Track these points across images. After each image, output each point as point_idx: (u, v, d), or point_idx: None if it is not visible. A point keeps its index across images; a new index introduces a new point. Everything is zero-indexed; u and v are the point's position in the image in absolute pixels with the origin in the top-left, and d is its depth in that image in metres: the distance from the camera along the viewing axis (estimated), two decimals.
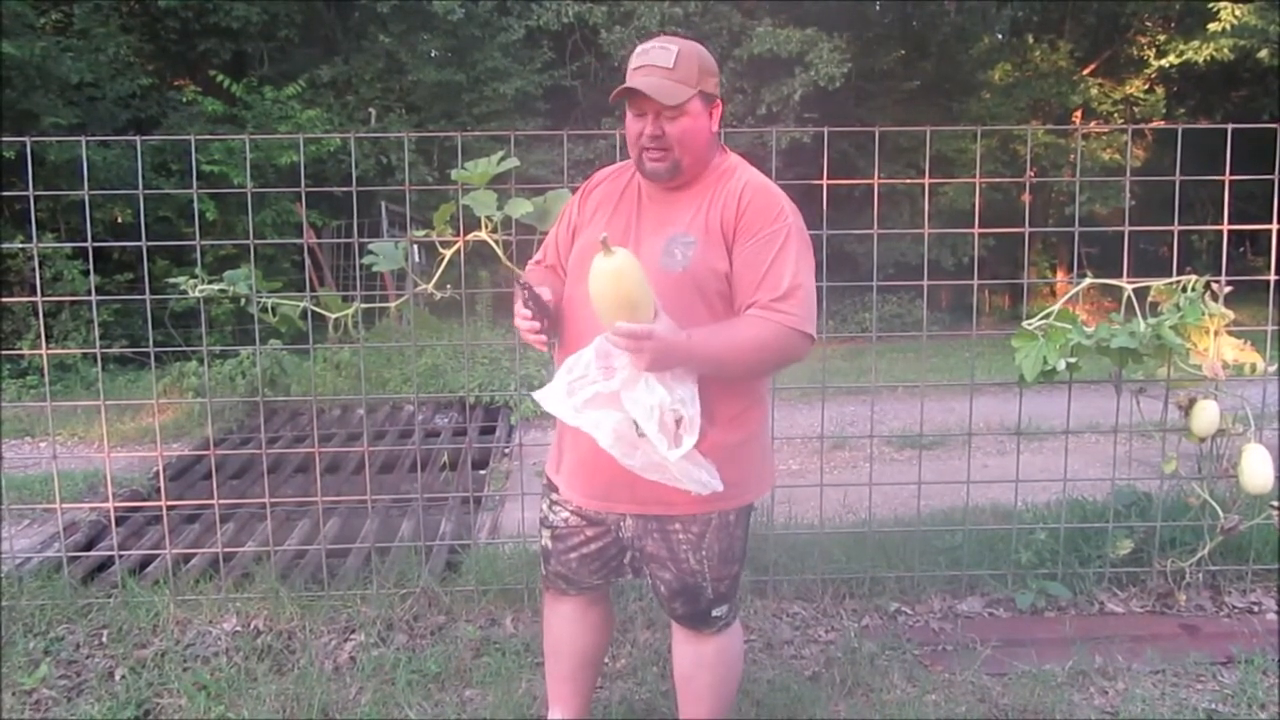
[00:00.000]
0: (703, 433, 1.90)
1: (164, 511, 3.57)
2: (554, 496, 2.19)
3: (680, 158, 1.98)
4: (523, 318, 1.97)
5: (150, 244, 3.44)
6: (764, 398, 2.16)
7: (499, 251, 3.11)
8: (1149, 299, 3.17)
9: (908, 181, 11.27)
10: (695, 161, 2.01)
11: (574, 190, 2.32)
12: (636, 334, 1.76)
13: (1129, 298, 3.14)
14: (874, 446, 4.50)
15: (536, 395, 1.92)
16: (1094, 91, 15.27)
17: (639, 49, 2.00)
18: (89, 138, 3.78)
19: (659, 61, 1.94)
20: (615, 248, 1.81)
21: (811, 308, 1.96)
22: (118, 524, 4.11)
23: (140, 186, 3.45)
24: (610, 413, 1.86)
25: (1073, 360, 3.07)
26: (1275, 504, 3.21)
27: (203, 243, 3.42)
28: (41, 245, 6.09)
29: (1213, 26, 11.88)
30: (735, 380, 2.01)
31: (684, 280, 1.94)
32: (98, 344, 3.70)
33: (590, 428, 1.86)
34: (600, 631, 2.36)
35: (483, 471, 5.36)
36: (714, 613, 2.16)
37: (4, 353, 8.18)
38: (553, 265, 2.24)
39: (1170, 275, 3.18)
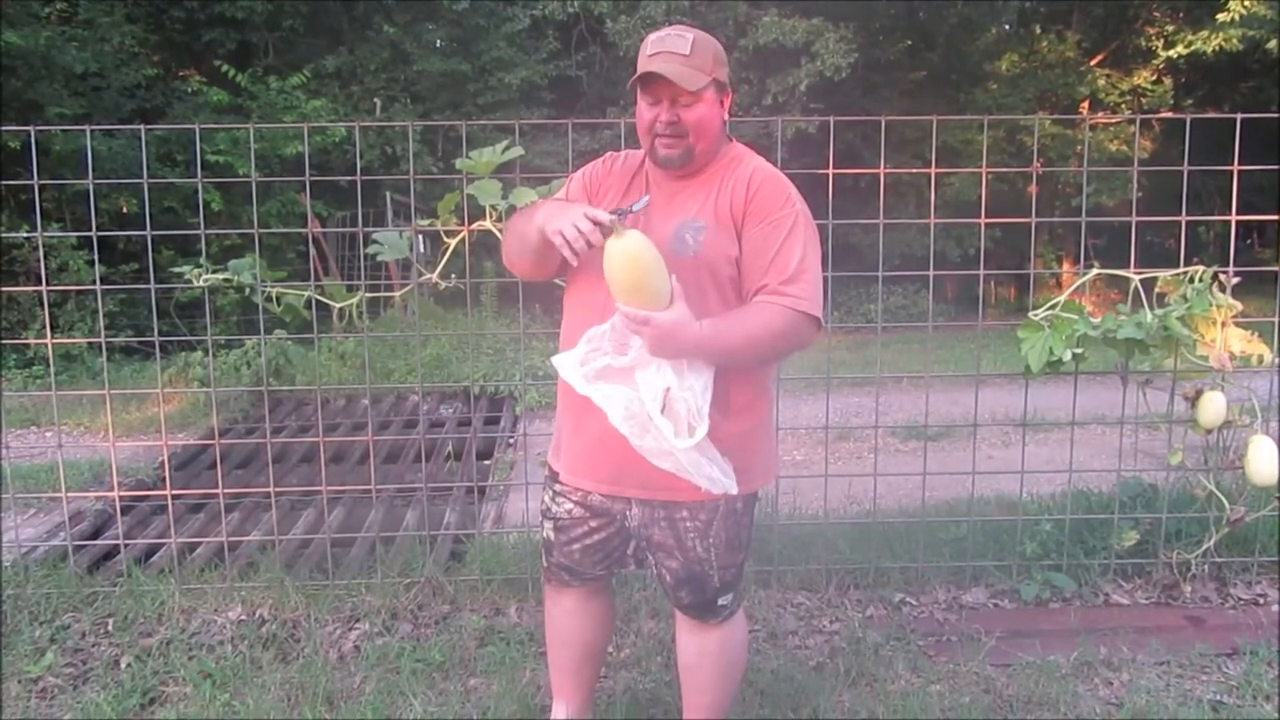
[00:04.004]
0: (714, 422, 1.91)
1: (169, 501, 3.57)
2: (556, 487, 2.18)
3: (694, 144, 1.98)
4: (590, 220, 1.85)
5: (155, 234, 3.43)
6: (770, 387, 2.16)
7: (503, 241, 3.10)
8: (1156, 290, 3.16)
9: (914, 172, 11.23)
10: (707, 149, 2.02)
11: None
12: (635, 319, 1.82)
13: (1136, 289, 3.12)
14: (879, 437, 4.50)
15: (554, 359, 1.95)
16: (1101, 82, 15.20)
17: (653, 36, 2.00)
18: (94, 127, 3.78)
19: (676, 48, 1.94)
20: (627, 230, 1.82)
21: (818, 292, 1.98)
22: (123, 513, 4.12)
23: (145, 176, 3.44)
24: (622, 389, 1.86)
25: (1079, 351, 3.06)
26: None
27: (208, 232, 3.42)
28: (47, 235, 6.09)
29: (1221, 17, 11.80)
30: (747, 368, 2.02)
31: (696, 265, 1.95)
32: (103, 334, 3.70)
33: (600, 400, 1.87)
34: (602, 623, 2.36)
35: (487, 462, 5.36)
36: (720, 601, 2.16)
37: (9, 342, 8.20)
38: None
39: (1177, 266, 3.17)
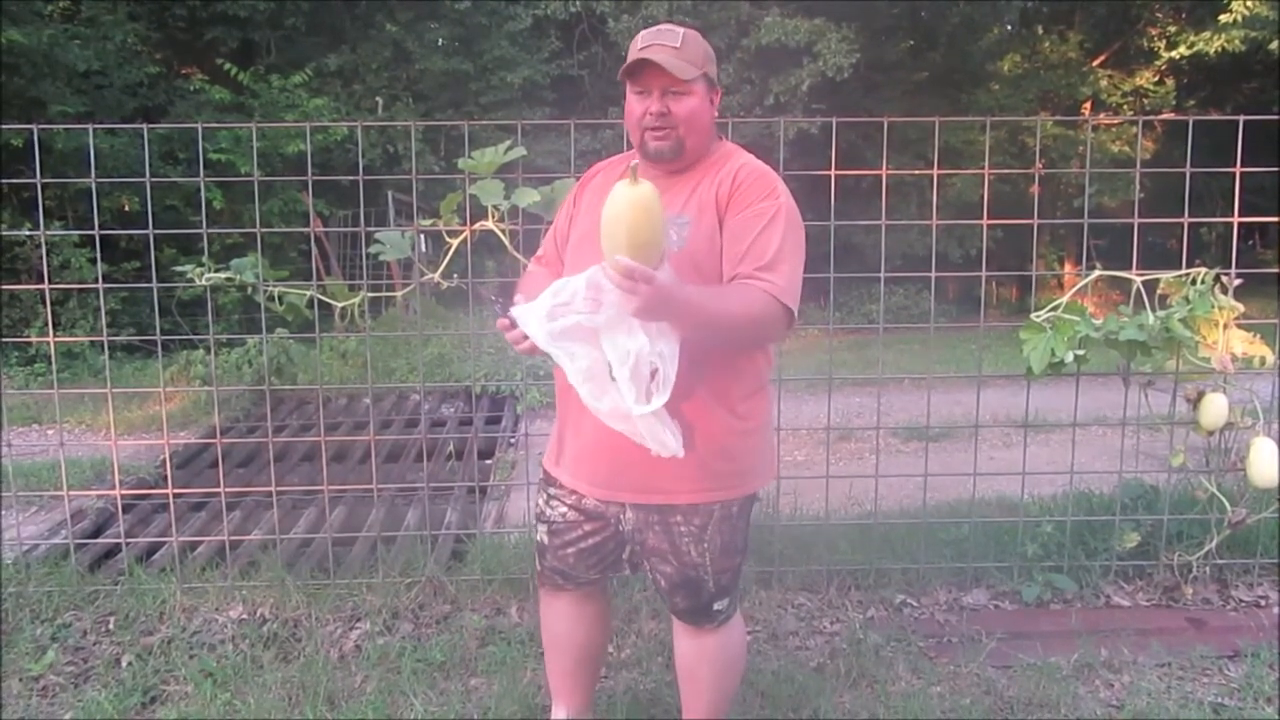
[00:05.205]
0: (719, 420, 1.88)
1: (170, 499, 3.58)
2: (551, 491, 2.18)
3: (684, 137, 1.98)
4: (503, 328, 1.91)
5: (157, 232, 3.43)
6: (768, 385, 2.14)
7: (505, 241, 3.11)
8: (1158, 291, 3.16)
9: (916, 173, 11.19)
10: (697, 144, 2.02)
11: (578, 179, 2.32)
12: (636, 274, 1.66)
13: (1138, 290, 3.12)
14: (880, 438, 4.49)
15: (515, 311, 1.84)
16: (1104, 83, 15.19)
17: (643, 33, 2.01)
18: (96, 125, 3.78)
19: (666, 41, 1.96)
20: (641, 180, 1.75)
21: (794, 284, 1.94)
22: (124, 511, 4.13)
23: (147, 174, 3.45)
24: (587, 348, 1.79)
25: (1080, 353, 3.06)
26: None
27: (210, 231, 3.42)
28: (49, 233, 6.10)
29: (1224, 18, 11.80)
30: (724, 353, 1.98)
31: (681, 260, 1.92)
32: (105, 332, 3.70)
33: (563, 358, 1.81)
34: (598, 626, 2.35)
35: (488, 461, 5.36)
36: (715, 606, 2.14)
37: (12, 340, 8.21)
38: (553, 260, 2.23)
39: (1179, 268, 3.17)
